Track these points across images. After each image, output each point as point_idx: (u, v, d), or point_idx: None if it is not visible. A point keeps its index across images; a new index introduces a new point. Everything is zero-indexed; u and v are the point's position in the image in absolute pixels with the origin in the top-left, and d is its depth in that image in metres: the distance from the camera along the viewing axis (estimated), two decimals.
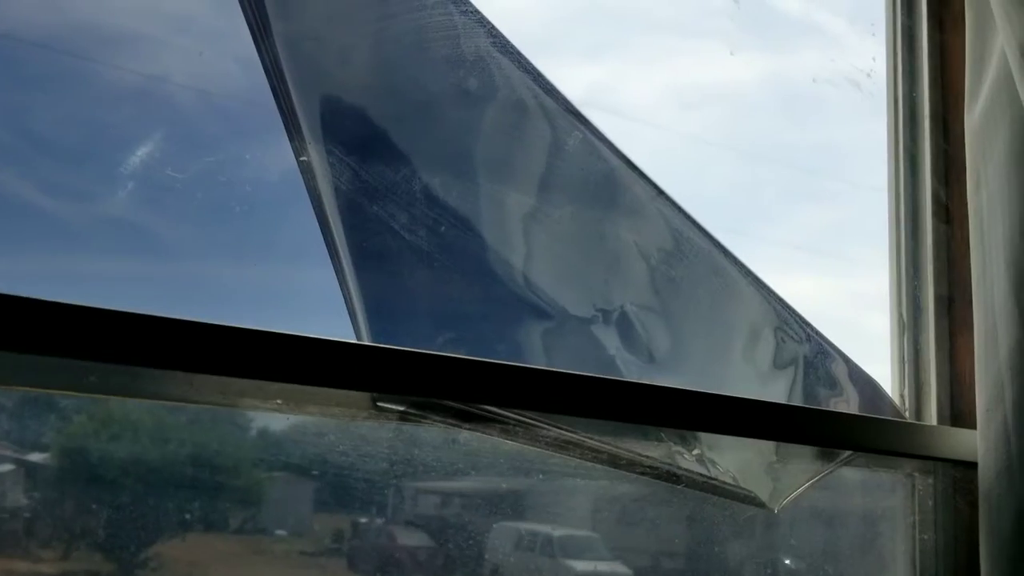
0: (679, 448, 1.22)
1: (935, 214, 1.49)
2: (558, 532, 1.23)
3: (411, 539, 1.12)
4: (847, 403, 1.43)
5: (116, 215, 1.13)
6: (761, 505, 1.28)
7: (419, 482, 1.12)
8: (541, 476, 1.18)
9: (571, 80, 1.46)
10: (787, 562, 1.35)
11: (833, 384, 1.43)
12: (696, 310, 1.36)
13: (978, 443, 1.33)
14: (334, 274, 1.10)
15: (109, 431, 0.98)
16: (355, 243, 1.11)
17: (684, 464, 1.23)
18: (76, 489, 0.96)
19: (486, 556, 1.14)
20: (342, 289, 1.10)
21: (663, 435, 1.21)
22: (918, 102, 1.53)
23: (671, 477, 1.22)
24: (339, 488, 1.07)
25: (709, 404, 1.18)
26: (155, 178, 1.10)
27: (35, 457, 0.94)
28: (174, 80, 1.17)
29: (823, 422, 1.30)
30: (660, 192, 1.33)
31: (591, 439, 1.16)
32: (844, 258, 1.68)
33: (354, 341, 1.07)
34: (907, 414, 1.45)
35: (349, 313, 1.10)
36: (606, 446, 1.18)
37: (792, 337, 1.40)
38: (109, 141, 1.12)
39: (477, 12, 1.21)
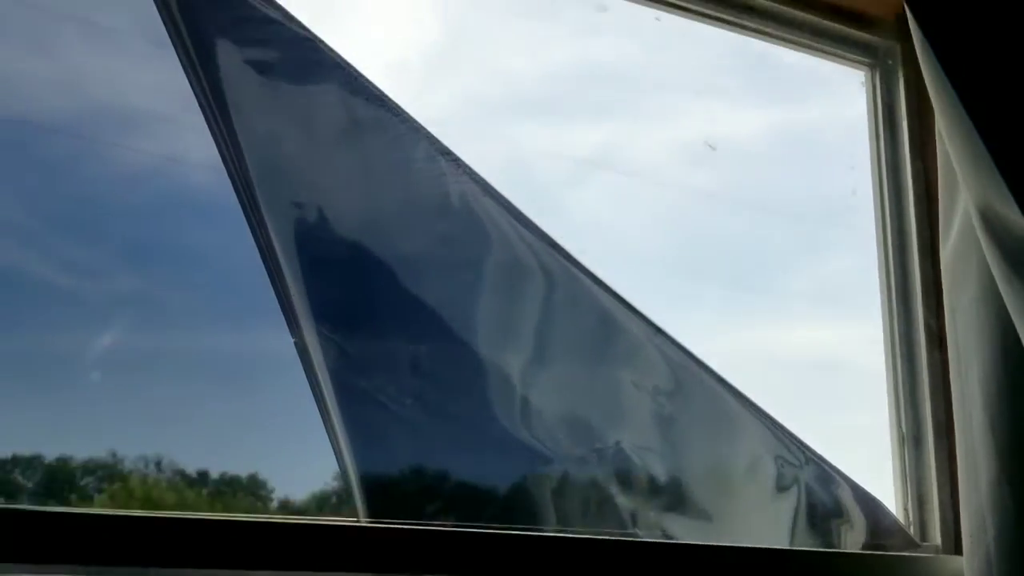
0: None
1: (928, 341, 1.51)
2: None
3: None
4: (851, 526, 1.43)
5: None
6: None
7: None
8: None
9: (579, 140, 1.48)
10: None
11: (837, 507, 1.43)
12: (696, 443, 1.38)
13: (964, 572, 1.33)
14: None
15: None
16: (349, 417, 1.14)
17: None
18: None
19: None
20: (338, 462, 1.14)
21: None
22: (905, 231, 1.55)
23: None
24: None
25: (708, 556, 1.23)
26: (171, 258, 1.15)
27: None
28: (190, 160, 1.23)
29: (823, 563, 1.33)
30: (658, 330, 1.36)
31: None
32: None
33: (352, 522, 1.11)
34: (911, 530, 1.46)
35: (345, 486, 1.14)
36: None
37: (793, 463, 1.41)
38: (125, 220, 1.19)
39: (463, 163, 1.25)
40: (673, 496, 1.35)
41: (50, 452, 1.13)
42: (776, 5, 1.54)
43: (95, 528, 0.94)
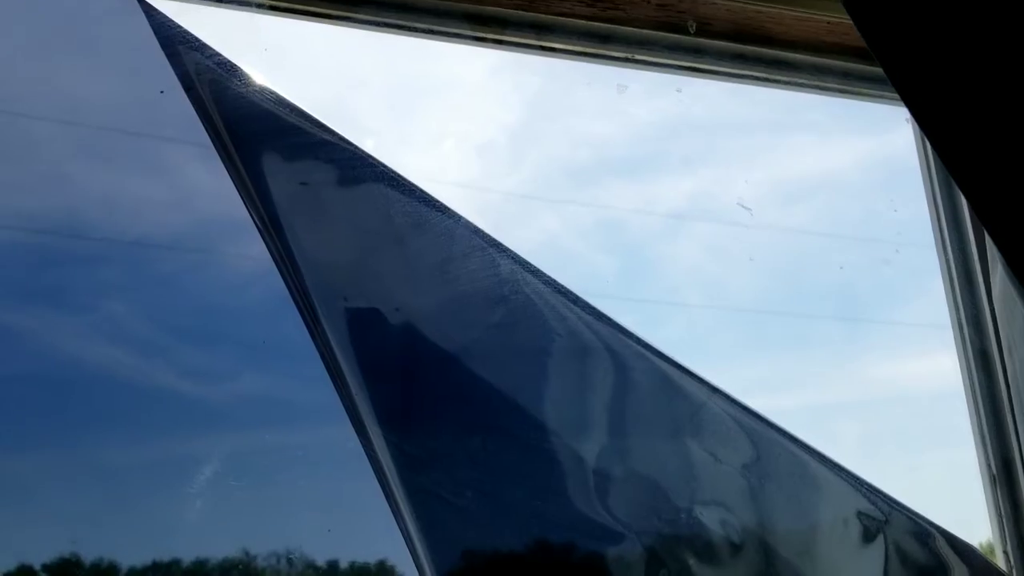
0: None
1: (979, 368, 1.47)
2: None
3: None
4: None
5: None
6: None
7: None
8: None
9: (670, 194, 1.49)
10: None
11: (931, 558, 1.37)
12: (772, 506, 1.33)
13: None
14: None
15: None
16: (418, 516, 1.14)
17: None
18: None
19: None
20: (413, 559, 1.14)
21: None
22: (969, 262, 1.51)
23: None
24: None
25: None
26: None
27: None
28: None
29: None
30: (715, 390, 1.33)
31: None
32: None
33: None
34: (1014, 573, 1.43)
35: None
36: None
37: (878, 518, 1.36)
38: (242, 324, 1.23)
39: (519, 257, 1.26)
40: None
41: (187, 555, 1.16)
42: (807, 56, 1.52)
43: None
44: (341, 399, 1.14)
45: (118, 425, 1.19)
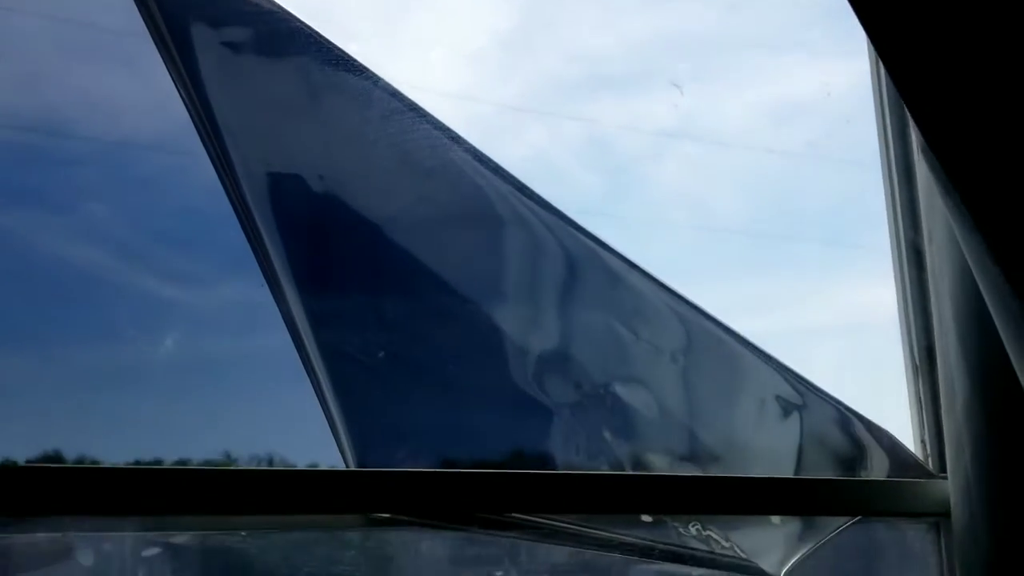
0: (679, 527, 1.28)
1: (911, 261, 1.46)
2: None
3: None
4: (867, 461, 1.43)
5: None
6: (764, 574, 1.32)
7: None
8: None
9: (662, 111, 1.48)
10: None
11: (848, 443, 1.41)
12: (691, 385, 1.37)
13: (950, 495, 1.32)
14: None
15: None
16: (334, 372, 1.16)
17: (686, 543, 1.28)
18: None
19: None
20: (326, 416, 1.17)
21: (666, 519, 1.27)
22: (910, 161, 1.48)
23: (674, 557, 1.28)
24: None
25: (712, 487, 1.25)
26: None
27: None
28: None
29: (825, 491, 1.34)
30: (633, 266, 1.35)
31: (590, 529, 1.22)
32: None
33: (342, 468, 1.18)
34: (928, 461, 1.44)
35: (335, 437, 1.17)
36: (605, 533, 1.24)
37: (796, 403, 1.40)
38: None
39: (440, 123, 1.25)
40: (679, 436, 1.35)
41: (169, 456, 1.18)
42: None
43: (112, 481, 1.03)
44: (258, 261, 1.14)
45: (99, 326, 1.19)
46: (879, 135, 1.48)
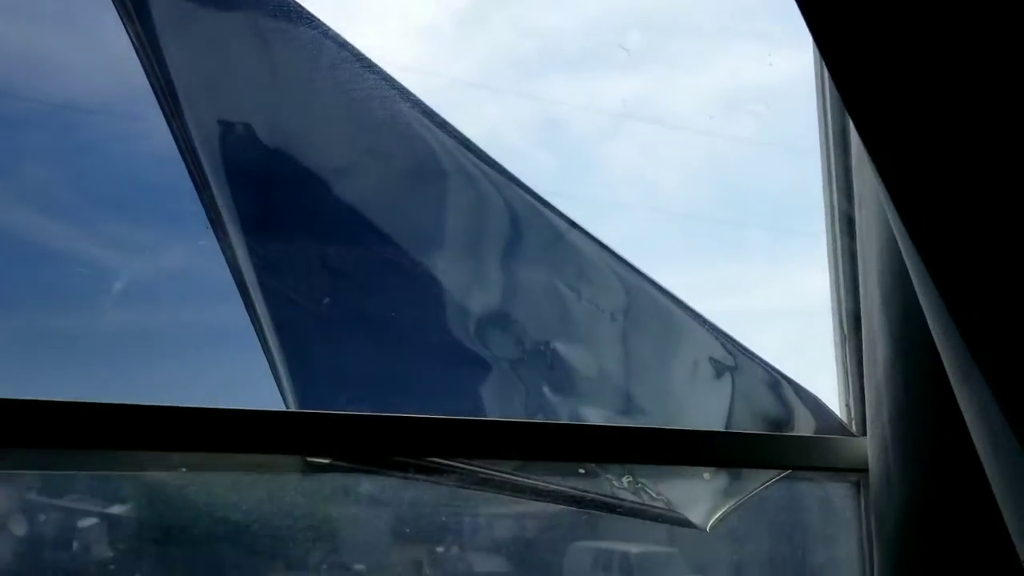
0: (613, 479, 1.31)
1: (843, 231, 1.49)
2: None
3: None
4: (794, 421, 1.48)
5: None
6: (692, 526, 1.36)
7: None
8: None
9: (610, 93, 1.49)
10: None
11: (776, 404, 1.46)
12: (640, 346, 1.41)
13: (868, 453, 1.36)
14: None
15: None
16: (277, 317, 1.19)
17: (618, 494, 1.31)
18: None
19: None
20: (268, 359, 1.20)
21: (597, 469, 1.30)
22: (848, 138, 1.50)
23: (607, 507, 1.31)
24: None
25: (643, 438, 1.28)
26: None
27: None
28: None
29: (750, 445, 1.38)
30: (574, 224, 1.38)
31: (526, 479, 1.26)
32: None
33: (282, 409, 1.20)
34: (853, 424, 1.48)
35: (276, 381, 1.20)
36: (541, 483, 1.27)
37: (729, 364, 1.44)
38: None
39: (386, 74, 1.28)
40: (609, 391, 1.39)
41: None
42: None
43: (46, 413, 1.04)
44: (204, 206, 1.16)
45: (42, 292, 1.20)
46: (818, 106, 1.49)
